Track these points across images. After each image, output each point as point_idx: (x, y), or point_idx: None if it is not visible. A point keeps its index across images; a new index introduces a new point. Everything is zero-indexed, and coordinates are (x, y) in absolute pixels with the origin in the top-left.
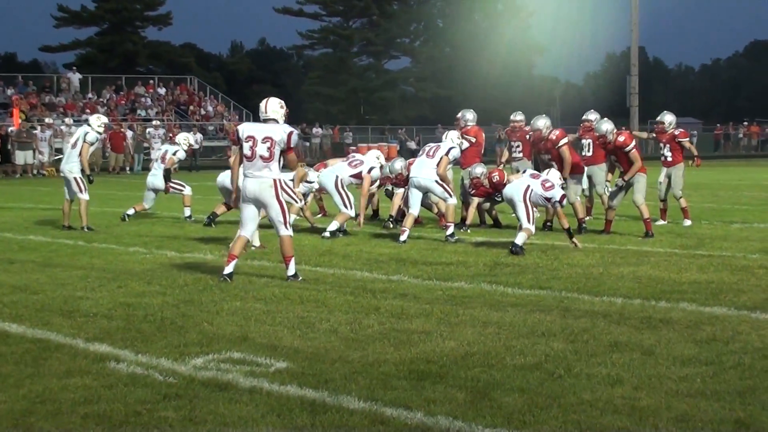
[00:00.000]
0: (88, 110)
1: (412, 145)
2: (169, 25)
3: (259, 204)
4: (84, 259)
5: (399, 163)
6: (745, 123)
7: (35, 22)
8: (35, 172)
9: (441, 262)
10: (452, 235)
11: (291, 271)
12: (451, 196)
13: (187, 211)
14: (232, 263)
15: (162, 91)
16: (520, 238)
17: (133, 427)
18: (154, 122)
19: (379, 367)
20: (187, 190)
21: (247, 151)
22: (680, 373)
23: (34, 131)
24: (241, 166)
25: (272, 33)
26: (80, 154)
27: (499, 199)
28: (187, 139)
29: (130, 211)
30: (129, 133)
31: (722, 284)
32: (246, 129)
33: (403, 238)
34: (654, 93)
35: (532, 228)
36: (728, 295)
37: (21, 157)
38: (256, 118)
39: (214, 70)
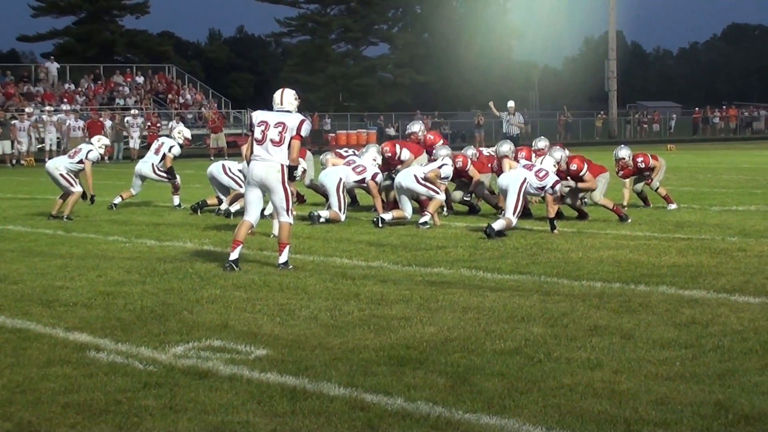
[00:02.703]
0: (66, 99)
1: (391, 131)
2: (146, 13)
3: (264, 188)
4: (63, 248)
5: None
6: (724, 106)
7: (12, 11)
8: (14, 162)
9: (420, 248)
10: (425, 223)
11: (283, 258)
12: (438, 192)
13: (176, 200)
14: (237, 249)
15: (140, 79)
16: (498, 224)
17: (113, 416)
18: (132, 111)
19: (359, 354)
20: (177, 180)
21: (258, 135)
22: (660, 356)
23: (13, 121)
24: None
25: (250, 20)
26: (84, 172)
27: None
28: (181, 132)
29: (117, 200)
30: (108, 123)
31: (701, 267)
32: (259, 115)
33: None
34: (632, 77)
35: (515, 221)
36: (707, 278)
37: None
38: (235, 106)
39: (192, 58)
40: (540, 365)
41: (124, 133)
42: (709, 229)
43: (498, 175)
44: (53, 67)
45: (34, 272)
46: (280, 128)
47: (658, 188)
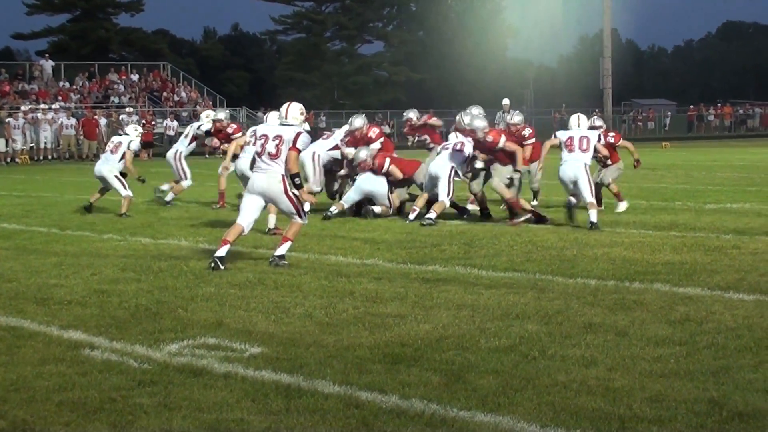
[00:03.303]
0: (60, 97)
1: (387, 129)
2: (141, 11)
3: (267, 199)
4: (58, 246)
5: (364, 152)
6: (719, 104)
7: (7, 9)
8: (8, 160)
9: (415, 246)
10: (430, 220)
11: (280, 251)
12: (449, 194)
13: (166, 187)
14: (224, 248)
15: (135, 77)
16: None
17: (108, 414)
18: (127, 109)
19: (354, 351)
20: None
21: (258, 148)
22: (654, 353)
23: (7, 120)
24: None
25: (245, 18)
26: (124, 160)
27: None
28: (209, 116)
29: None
30: (102, 121)
31: (695, 265)
32: (261, 129)
33: (412, 216)
34: (627, 75)
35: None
36: (702, 276)
37: None
38: (231, 104)
39: (187, 56)
40: (534, 363)
41: (119, 131)
42: (703, 227)
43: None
44: (48, 65)
45: (29, 270)
46: (277, 141)
47: (610, 184)
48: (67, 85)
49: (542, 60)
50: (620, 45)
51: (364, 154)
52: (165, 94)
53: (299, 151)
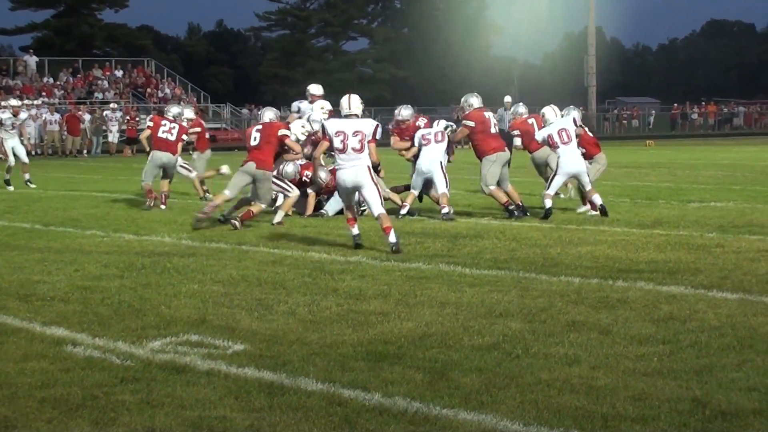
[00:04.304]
0: (44, 93)
1: None
2: (125, 7)
3: (355, 189)
4: (41, 242)
5: (291, 167)
6: (703, 102)
7: None
8: None
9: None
10: (447, 214)
11: (392, 238)
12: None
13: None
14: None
15: (119, 73)
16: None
17: (90, 411)
18: (111, 105)
19: (337, 349)
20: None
21: (339, 145)
22: (637, 352)
23: None
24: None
25: (230, 15)
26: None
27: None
28: (323, 107)
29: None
30: (86, 116)
31: (679, 263)
32: (334, 124)
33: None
34: (612, 73)
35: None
36: (685, 275)
37: None
38: (215, 100)
39: (172, 52)
40: (518, 361)
41: (103, 127)
42: (687, 225)
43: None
44: (32, 60)
45: (12, 266)
46: (359, 136)
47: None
48: (51, 80)
49: (527, 57)
50: (605, 43)
51: (291, 169)
52: (149, 90)
53: (376, 141)
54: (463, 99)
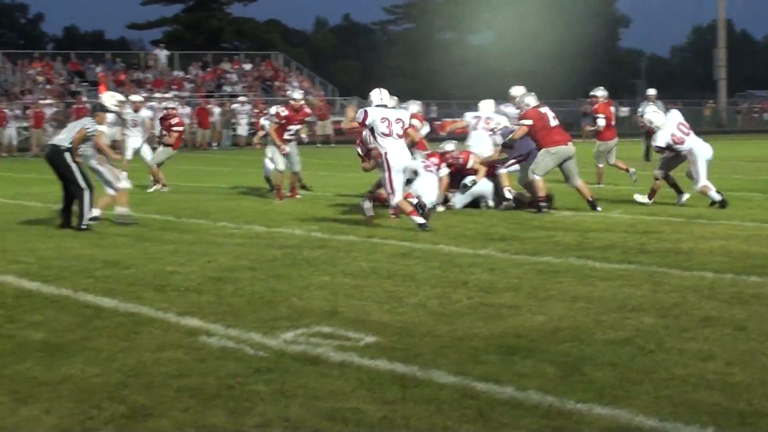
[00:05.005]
0: (174, 87)
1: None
2: (253, 1)
3: (405, 170)
4: (174, 233)
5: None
6: None
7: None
8: None
9: (528, 237)
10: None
11: (419, 220)
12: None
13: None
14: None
15: (248, 67)
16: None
17: (225, 400)
18: (240, 98)
19: (469, 342)
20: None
21: (384, 129)
22: None
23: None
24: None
25: (356, 8)
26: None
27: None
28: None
29: None
30: (216, 110)
31: None
32: (378, 112)
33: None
34: (741, 66)
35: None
36: None
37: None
38: (342, 93)
39: (299, 45)
40: (652, 356)
41: (232, 120)
42: None
43: None
44: (162, 54)
45: (146, 257)
46: (400, 124)
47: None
48: (181, 74)
49: (654, 50)
50: (734, 35)
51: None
52: (277, 83)
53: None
54: (518, 99)
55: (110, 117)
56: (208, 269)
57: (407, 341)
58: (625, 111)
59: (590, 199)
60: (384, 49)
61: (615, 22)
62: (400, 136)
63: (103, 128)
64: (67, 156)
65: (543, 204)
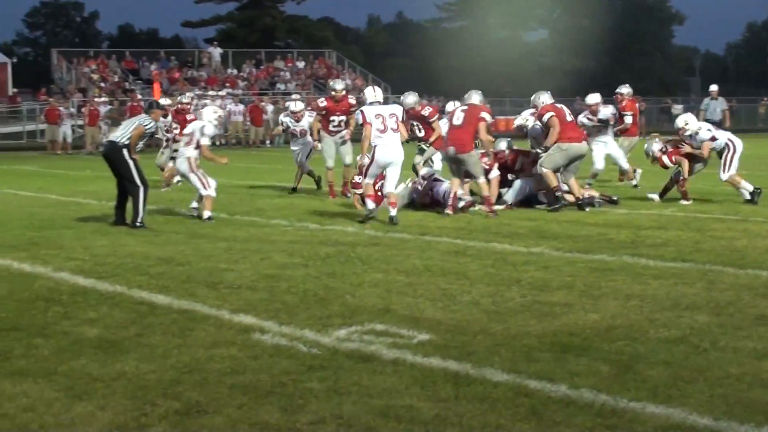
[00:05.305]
0: (228, 84)
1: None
2: None
3: (393, 164)
4: (227, 231)
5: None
6: None
7: None
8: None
9: (581, 235)
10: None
11: (393, 213)
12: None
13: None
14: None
15: (301, 64)
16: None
17: (279, 398)
18: (293, 96)
19: (522, 340)
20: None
21: (379, 125)
22: None
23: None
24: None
25: (409, 6)
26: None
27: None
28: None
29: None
30: (269, 107)
31: None
32: (370, 111)
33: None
34: None
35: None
36: None
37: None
38: (395, 91)
39: (352, 43)
40: (706, 354)
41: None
42: None
43: None
44: (216, 52)
45: (200, 254)
46: (393, 119)
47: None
48: (235, 72)
49: (709, 47)
50: None
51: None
52: (330, 81)
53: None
54: (533, 97)
55: (213, 120)
56: (262, 267)
57: (460, 339)
58: (678, 108)
59: (579, 199)
60: (437, 46)
61: (669, 19)
62: (395, 130)
63: (205, 140)
64: (125, 152)
65: (559, 195)
